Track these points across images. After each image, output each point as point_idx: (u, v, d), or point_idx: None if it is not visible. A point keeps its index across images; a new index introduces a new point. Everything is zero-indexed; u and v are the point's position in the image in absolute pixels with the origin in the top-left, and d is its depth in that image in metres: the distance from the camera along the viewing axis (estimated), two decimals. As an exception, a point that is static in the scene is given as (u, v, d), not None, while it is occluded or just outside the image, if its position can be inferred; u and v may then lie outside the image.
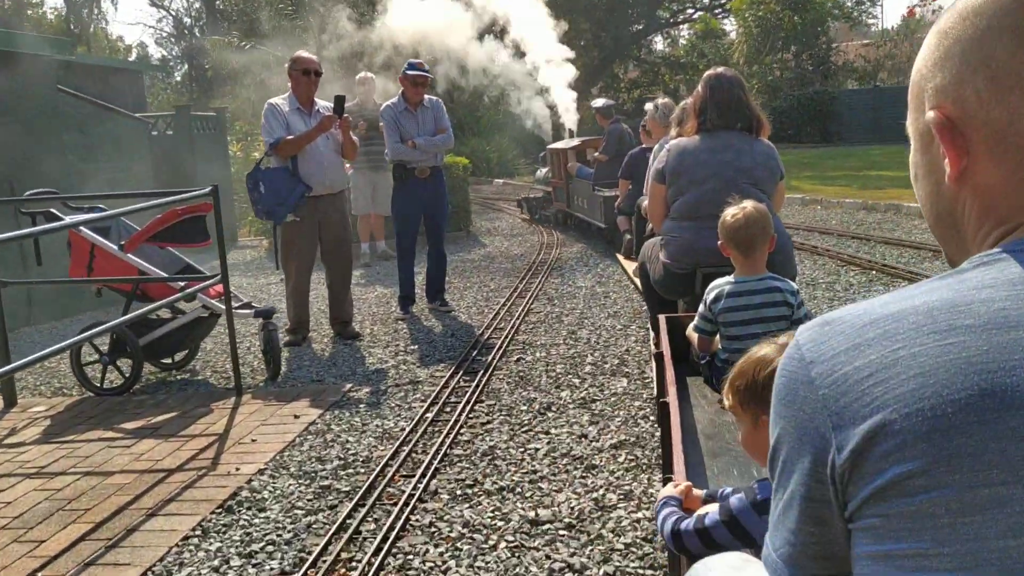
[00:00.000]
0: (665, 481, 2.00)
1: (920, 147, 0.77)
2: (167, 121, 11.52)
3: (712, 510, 1.49)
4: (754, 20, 16.54)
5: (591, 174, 9.13)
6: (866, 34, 31.77)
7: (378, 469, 3.43)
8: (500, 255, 9.27)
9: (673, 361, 2.72)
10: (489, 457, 3.55)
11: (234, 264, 9.27)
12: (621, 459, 3.44)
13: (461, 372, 4.82)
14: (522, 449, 3.62)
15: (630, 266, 6.51)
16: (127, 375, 4.82)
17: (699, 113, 3.59)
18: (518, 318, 6.06)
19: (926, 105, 0.73)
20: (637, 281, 5.46)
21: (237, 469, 3.55)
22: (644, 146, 6.68)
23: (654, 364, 3.18)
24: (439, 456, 3.56)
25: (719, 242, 2.70)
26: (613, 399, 4.20)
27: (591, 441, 3.67)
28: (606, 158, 8.73)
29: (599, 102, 9.44)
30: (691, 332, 2.76)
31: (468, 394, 4.36)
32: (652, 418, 3.79)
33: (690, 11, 32.14)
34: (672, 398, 2.33)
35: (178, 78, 37.52)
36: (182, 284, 4.78)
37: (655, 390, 3.17)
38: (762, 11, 16.13)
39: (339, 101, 5.41)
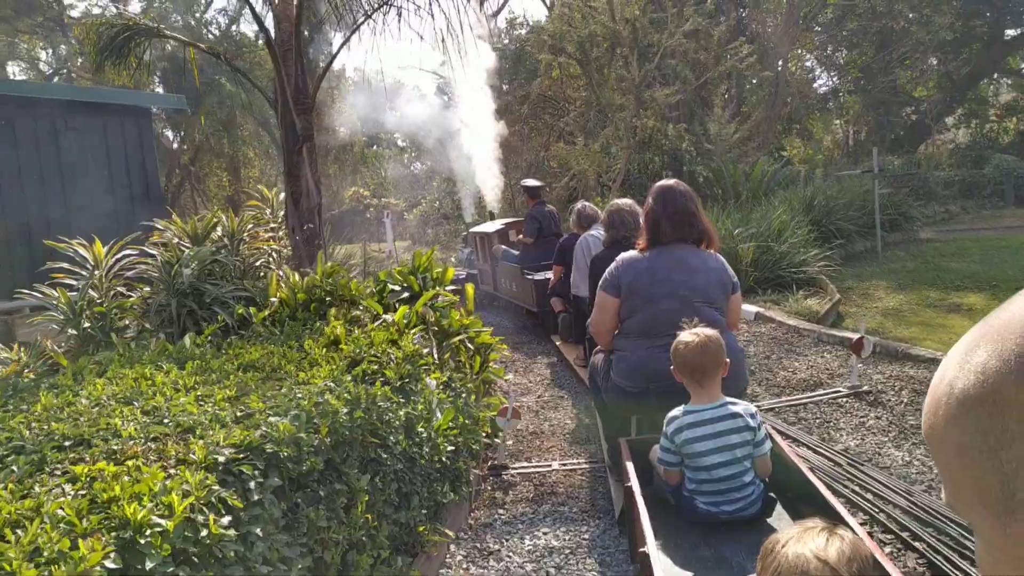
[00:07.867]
0: None
1: None
2: None
3: None
4: None
5: (516, 257, 9.11)
6: None
7: None
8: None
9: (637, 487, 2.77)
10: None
11: None
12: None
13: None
14: None
15: (569, 351, 7.10)
16: None
17: (651, 227, 3.55)
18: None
19: None
20: (578, 371, 6.37)
21: None
22: (574, 233, 6.78)
23: (621, 492, 3.31)
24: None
25: (672, 367, 2.78)
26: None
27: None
28: (531, 240, 8.72)
29: (528, 182, 9.24)
30: (657, 464, 2.80)
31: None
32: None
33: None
34: (652, 547, 2.30)
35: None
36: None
37: (615, 511, 3.59)
38: None
39: None
